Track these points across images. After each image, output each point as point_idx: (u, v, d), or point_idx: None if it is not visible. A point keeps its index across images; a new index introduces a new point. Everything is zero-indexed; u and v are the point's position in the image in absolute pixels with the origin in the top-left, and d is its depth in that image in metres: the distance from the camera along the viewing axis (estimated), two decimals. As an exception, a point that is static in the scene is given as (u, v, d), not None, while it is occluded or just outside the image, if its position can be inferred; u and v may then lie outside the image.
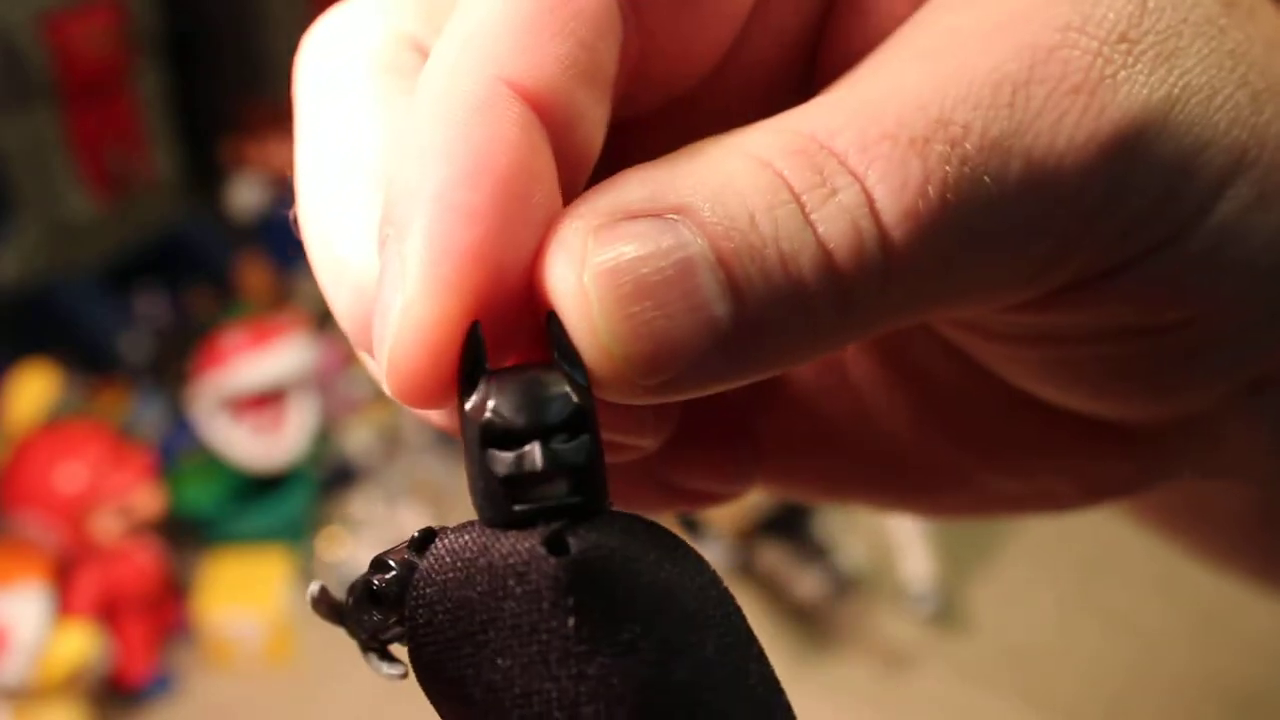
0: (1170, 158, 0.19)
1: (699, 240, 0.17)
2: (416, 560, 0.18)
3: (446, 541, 0.17)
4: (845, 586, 0.88)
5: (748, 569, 0.90)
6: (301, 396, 0.93)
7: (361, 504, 0.97)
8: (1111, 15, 0.19)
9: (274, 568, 0.88)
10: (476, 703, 0.17)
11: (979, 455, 0.26)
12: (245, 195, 1.12)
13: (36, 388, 0.88)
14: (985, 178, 0.18)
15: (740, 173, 0.17)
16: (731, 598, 0.18)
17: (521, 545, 0.17)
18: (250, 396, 0.91)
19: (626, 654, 0.16)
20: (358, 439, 0.99)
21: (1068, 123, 0.18)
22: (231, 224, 1.12)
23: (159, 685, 0.83)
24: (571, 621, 0.16)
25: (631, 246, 0.17)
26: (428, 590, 0.17)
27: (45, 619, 0.77)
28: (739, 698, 0.17)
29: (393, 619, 0.18)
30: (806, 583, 0.87)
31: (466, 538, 0.17)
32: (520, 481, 0.17)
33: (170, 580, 0.87)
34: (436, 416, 0.20)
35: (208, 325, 1.01)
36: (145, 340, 1.03)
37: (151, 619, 0.83)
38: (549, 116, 0.18)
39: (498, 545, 0.17)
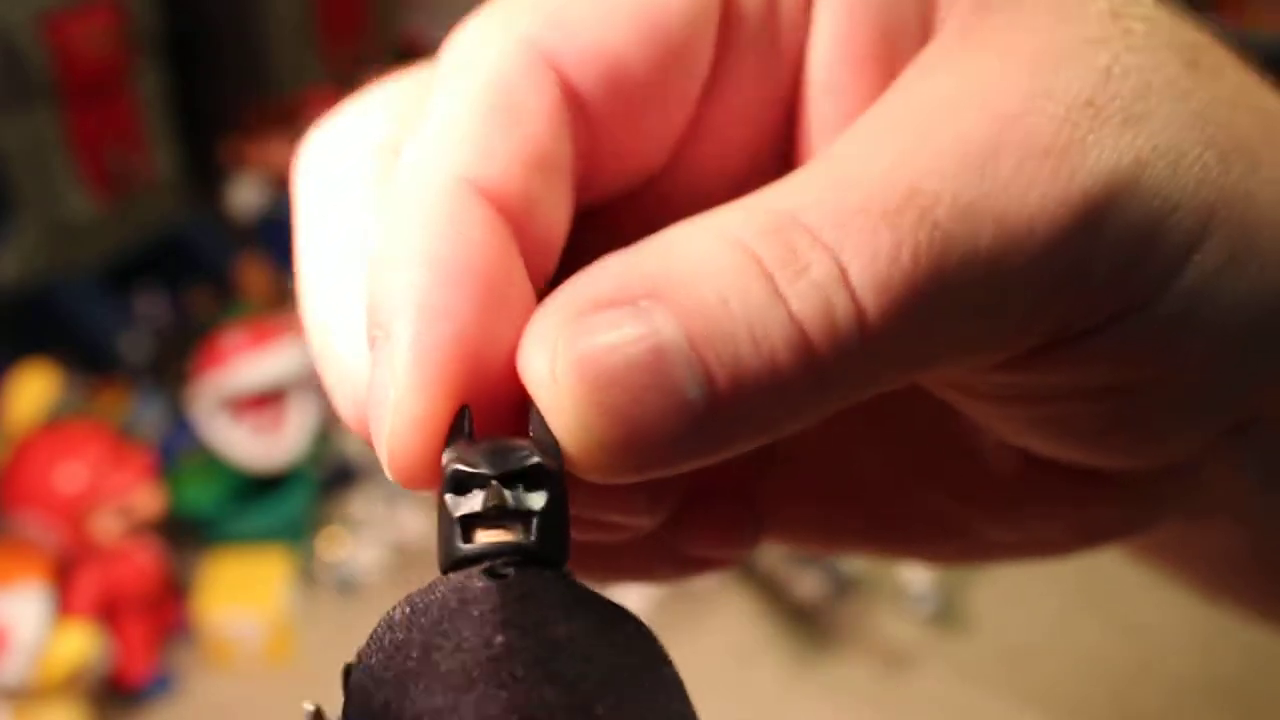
0: (1140, 220, 0.19)
1: (670, 325, 0.17)
2: None
3: (402, 602, 0.18)
4: (845, 586, 0.88)
5: (748, 569, 0.90)
6: (301, 396, 0.93)
7: (361, 504, 0.97)
8: (1076, 83, 0.19)
9: (274, 568, 0.88)
10: None
11: (973, 507, 0.26)
12: (245, 195, 1.12)
13: (36, 388, 0.88)
14: (957, 244, 0.18)
15: (713, 254, 0.18)
16: (665, 661, 0.18)
17: (464, 578, 0.17)
18: (250, 396, 0.91)
19: (549, 683, 0.16)
20: (358, 439, 0.99)
21: (1037, 187, 0.18)
22: (231, 224, 1.12)
23: (159, 685, 0.83)
24: (500, 639, 0.16)
25: (602, 336, 0.17)
26: (377, 632, 0.17)
27: (45, 619, 0.77)
28: None
29: None
30: (806, 583, 0.87)
31: (418, 593, 0.18)
32: (476, 520, 0.18)
33: (170, 580, 0.87)
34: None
35: (208, 325, 1.01)
36: (145, 340, 1.03)
37: (151, 619, 0.83)
38: (509, 209, 0.19)
39: (443, 584, 0.17)
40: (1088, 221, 0.18)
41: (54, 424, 0.87)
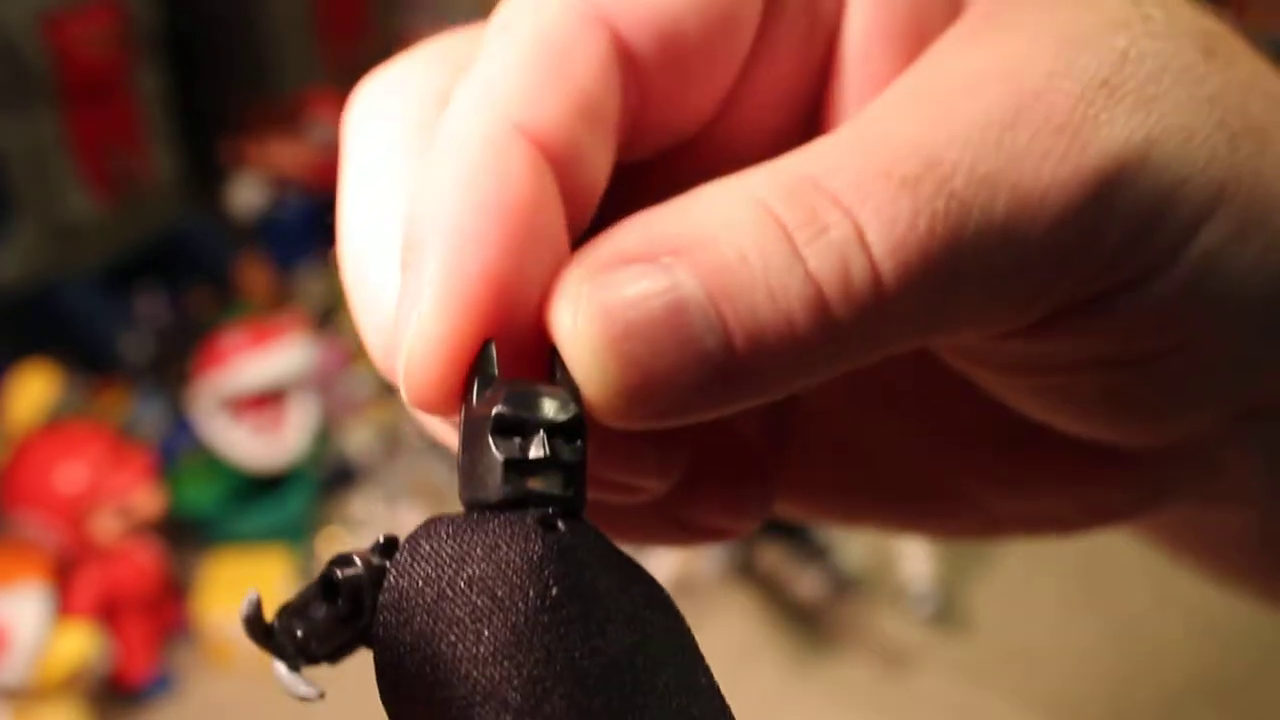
0: (1150, 192, 0.20)
1: (691, 280, 0.18)
2: (380, 562, 0.18)
3: (431, 530, 0.18)
4: (845, 586, 0.88)
5: (748, 569, 0.90)
6: (301, 396, 0.93)
7: (361, 504, 0.97)
8: (1094, 63, 0.20)
9: (274, 568, 0.88)
10: (448, 684, 0.17)
11: (985, 480, 0.27)
12: (245, 195, 1.12)
13: (36, 388, 0.88)
14: (973, 212, 0.18)
15: (736, 214, 0.19)
16: (680, 616, 0.19)
17: (513, 523, 0.18)
18: (250, 396, 0.91)
19: (597, 634, 0.17)
20: (358, 439, 0.99)
21: (1051, 160, 0.19)
22: (231, 224, 1.12)
23: (159, 685, 0.83)
24: (555, 590, 0.17)
25: (624, 290, 0.18)
26: (413, 566, 0.18)
27: (45, 619, 0.77)
28: (690, 691, 0.18)
29: (337, 619, 0.18)
30: (806, 583, 0.87)
31: (452, 524, 0.18)
32: (520, 466, 0.18)
33: (170, 580, 0.87)
34: (435, 426, 0.22)
35: (208, 325, 1.01)
36: (145, 340, 1.03)
37: (151, 619, 0.83)
38: (553, 155, 0.19)
39: (488, 524, 0.18)
40: (1099, 194, 0.19)
41: (54, 424, 0.87)
